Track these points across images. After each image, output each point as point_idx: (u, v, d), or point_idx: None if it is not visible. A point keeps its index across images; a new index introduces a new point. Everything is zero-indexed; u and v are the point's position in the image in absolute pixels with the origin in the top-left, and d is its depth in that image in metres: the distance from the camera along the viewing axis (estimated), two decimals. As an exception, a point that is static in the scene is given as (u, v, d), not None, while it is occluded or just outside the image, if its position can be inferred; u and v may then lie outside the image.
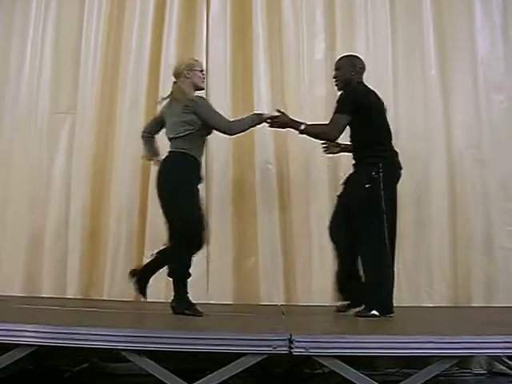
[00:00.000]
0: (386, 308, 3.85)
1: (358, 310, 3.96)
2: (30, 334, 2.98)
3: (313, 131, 4.04)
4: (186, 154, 3.92)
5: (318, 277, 4.82)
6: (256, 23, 5.07)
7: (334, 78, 4.24)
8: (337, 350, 2.86)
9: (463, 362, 4.16)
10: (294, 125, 4.03)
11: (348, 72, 4.13)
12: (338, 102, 4.01)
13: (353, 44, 5.10)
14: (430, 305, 4.81)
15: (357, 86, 4.13)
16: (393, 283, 3.95)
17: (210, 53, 5.09)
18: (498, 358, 4.13)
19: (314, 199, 4.92)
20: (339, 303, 4.15)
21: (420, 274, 4.90)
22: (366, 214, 3.89)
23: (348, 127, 4.04)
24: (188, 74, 4.06)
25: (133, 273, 4.11)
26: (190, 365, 3.78)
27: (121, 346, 2.95)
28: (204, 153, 4.14)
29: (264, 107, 4.84)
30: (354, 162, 4.16)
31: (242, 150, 5.02)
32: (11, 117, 5.18)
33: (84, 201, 4.94)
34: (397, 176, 4.09)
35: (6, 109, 5.21)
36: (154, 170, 4.84)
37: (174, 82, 4.13)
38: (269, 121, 4.06)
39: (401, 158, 4.94)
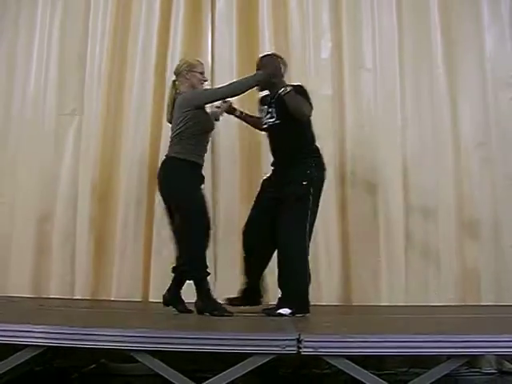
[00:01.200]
0: (301, 307, 3.79)
1: (269, 306, 3.93)
2: (39, 335, 2.98)
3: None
4: (182, 159, 3.89)
5: (325, 276, 4.81)
6: (262, 22, 5.06)
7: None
8: (346, 349, 2.85)
9: (472, 361, 4.13)
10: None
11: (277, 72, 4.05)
12: (300, 93, 3.90)
13: (359, 42, 5.11)
14: (439, 304, 4.79)
15: (298, 87, 4.02)
16: (309, 282, 3.90)
17: (216, 52, 5.09)
18: (507, 357, 4.10)
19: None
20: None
21: (428, 273, 4.89)
22: (294, 209, 3.85)
23: (280, 129, 4.00)
24: (187, 75, 4.06)
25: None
26: (198, 365, 3.77)
27: (129, 346, 2.94)
28: (206, 151, 4.08)
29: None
30: (281, 162, 4.05)
31: (248, 148, 5.02)
32: (18, 118, 5.20)
33: (91, 202, 4.95)
34: (323, 178, 4.06)
35: (13, 111, 5.23)
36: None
37: (174, 81, 4.14)
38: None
39: (408, 157, 4.99)
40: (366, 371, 2.90)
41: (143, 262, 4.86)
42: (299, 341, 2.82)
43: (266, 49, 4.99)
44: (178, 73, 4.12)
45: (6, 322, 3.15)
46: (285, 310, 3.74)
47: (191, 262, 3.83)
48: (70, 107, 5.15)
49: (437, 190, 4.96)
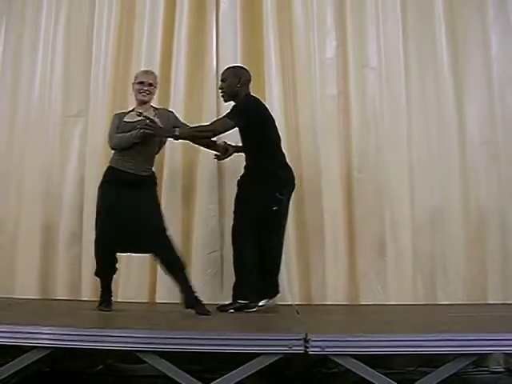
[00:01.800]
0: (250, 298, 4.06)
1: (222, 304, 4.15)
2: (46, 337, 3.00)
3: (191, 134, 4.13)
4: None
5: (331, 275, 4.80)
6: (266, 22, 5.03)
7: (219, 88, 4.33)
8: (353, 348, 2.85)
9: (480, 359, 4.12)
10: (169, 133, 4.07)
11: (234, 84, 4.21)
12: (231, 111, 4.11)
13: (364, 42, 5.08)
14: (446, 302, 4.78)
15: (247, 98, 4.21)
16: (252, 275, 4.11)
17: (221, 53, 5.07)
18: (515, 356, 4.10)
19: (326, 196, 4.90)
20: None
21: (435, 272, 4.87)
22: (269, 230, 4.18)
23: (244, 142, 4.26)
24: (132, 87, 4.28)
25: None
26: (205, 366, 3.78)
27: (137, 347, 2.96)
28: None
29: (276, 107, 4.83)
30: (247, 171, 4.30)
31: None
32: (24, 121, 5.20)
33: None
34: (292, 189, 4.31)
35: (18, 113, 5.23)
36: (166, 172, 4.88)
37: None
38: (142, 129, 3.99)
39: (414, 157, 4.97)
40: (373, 370, 2.90)
41: (149, 262, 4.85)
42: (306, 340, 2.83)
43: (271, 49, 5.01)
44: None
45: (13, 323, 3.17)
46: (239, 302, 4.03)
47: None
48: (75, 109, 5.15)
49: (443, 188, 4.94)
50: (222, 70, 4.59)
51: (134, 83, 4.24)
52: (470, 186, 4.96)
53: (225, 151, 4.36)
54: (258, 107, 4.21)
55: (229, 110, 4.13)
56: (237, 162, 4.77)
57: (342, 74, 5.07)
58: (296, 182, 4.35)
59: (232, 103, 4.28)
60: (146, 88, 4.20)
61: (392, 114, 4.98)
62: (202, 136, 4.16)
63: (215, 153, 4.43)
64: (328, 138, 4.96)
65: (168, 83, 5.00)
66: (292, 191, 4.32)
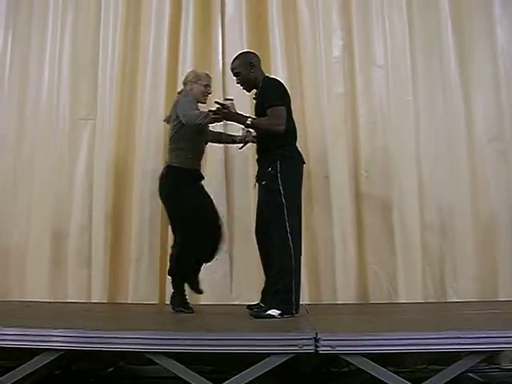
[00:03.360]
0: (286, 308, 3.71)
1: (255, 309, 3.90)
2: (57, 339, 3.01)
3: (261, 126, 3.92)
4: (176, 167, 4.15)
5: (341, 275, 4.80)
6: (272, 23, 5.05)
7: (237, 83, 4.13)
8: (364, 347, 2.85)
9: (491, 357, 4.11)
10: (241, 119, 3.92)
11: (248, 72, 4.04)
12: (268, 96, 3.90)
13: (370, 40, 5.08)
14: (457, 300, 4.77)
15: (271, 81, 4.05)
16: (297, 282, 3.79)
17: (227, 54, 5.07)
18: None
19: (334, 195, 4.90)
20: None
21: (445, 269, 4.86)
22: (270, 204, 3.88)
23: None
24: (192, 85, 4.23)
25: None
26: (216, 366, 3.78)
27: (147, 348, 2.96)
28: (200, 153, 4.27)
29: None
30: (258, 156, 4.09)
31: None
32: (33, 124, 5.22)
33: (106, 205, 4.97)
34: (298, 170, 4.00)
35: (27, 116, 5.24)
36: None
37: (180, 90, 4.33)
38: (214, 114, 3.92)
39: (422, 155, 4.96)
40: (384, 369, 2.90)
41: (159, 264, 4.87)
42: (317, 340, 2.83)
43: (277, 49, 5.02)
44: (184, 82, 4.31)
45: (24, 326, 3.18)
46: (274, 311, 3.69)
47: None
48: (83, 112, 5.16)
49: (452, 186, 4.92)
50: (228, 72, 4.59)
51: (194, 83, 4.23)
52: (478, 183, 4.94)
53: (244, 141, 4.32)
54: (285, 87, 4.07)
55: (268, 99, 3.88)
56: (244, 163, 4.79)
57: (348, 73, 5.07)
58: (304, 180, 4.29)
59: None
60: (209, 92, 4.28)
61: (399, 112, 4.97)
62: (272, 129, 3.85)
63: (239, 145, 4.40)
64: (335, 138, 4.95)
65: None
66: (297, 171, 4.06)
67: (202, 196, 4.22)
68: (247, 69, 4.03)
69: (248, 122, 3.88)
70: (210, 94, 4.31)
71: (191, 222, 4.04)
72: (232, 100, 4.08)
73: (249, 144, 4.34)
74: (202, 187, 4.27)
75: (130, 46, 5.20)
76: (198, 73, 4.33)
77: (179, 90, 4.42)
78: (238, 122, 3.98)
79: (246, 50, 4.38)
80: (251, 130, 4.15)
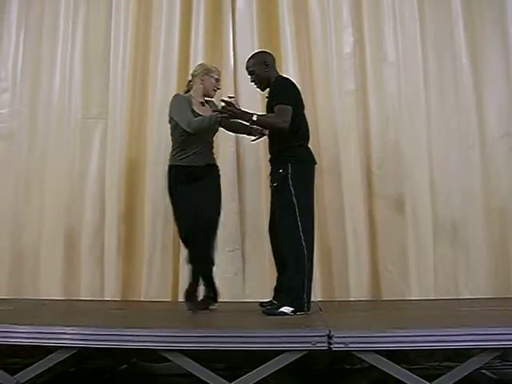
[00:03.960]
0: (299, 305, 3.71)
1: (268, 307, 3.90)
2: (71, 337, 3.02)
3: (265, 122, 3.94)
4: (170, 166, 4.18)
5: (354, 272, 4.80)
6: (283, 19, 5.05)
7: (251, 82, 4.13)
8: (377, 344, 2.84)
9: (505, 354, 4.08)
10: (245, 116, 3.92)
11: (262, 71, 4.04)
12: (276, 94, 3.92)
13: (381, 36, 5.07)
14: (469, 296, 4.76)
15: (284, 80, 4.04)
16: (309, 280, 3.79)
17: (238, 52, 5.09)
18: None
19: (346, 191, 4.90)
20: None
21: (458, 266, 4.85)
22: (281, 203, 3.90)
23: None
24: (202, 77, 4.19)
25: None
26: (229, 363, 3.79)
27: (161, 346, 2.97)
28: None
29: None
30: (270, 155, 4.08)
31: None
32: (45, 124, 5.26)
33: (119, 204, 5.00)
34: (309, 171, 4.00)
35: (39, 116, 5.28)
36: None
37: (189, 81, 4.28)
38: (219, 113, 3.93)
39: (434, 151, 4.94)
40: (397, 366, 2.89)
41: (172, 262, 4.89)
42: (330, 337, 2.83)
43: (288, 46, 5.02)
44: (194, 74, 4.27)
45: (38, 324, 3.20)
46: (286, 309, 3.69)
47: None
48: (95, 111, 5.20)
49: (464, 182, 4.91)
50: (239, 69, 4.59)
51: (205, 75, 4.20)
52: (491, 179, 4.93)
53: (259, 134, 4.30)
54: (297, 87, 4.06)
55: (276, 97, 3.90)
56: (257, 161, 4.79)
57: (359, 69, 5.06)
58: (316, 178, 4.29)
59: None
60: (219, 86, 4.28)
61: (411, 108, 4.96)
62: (276, 126, 3.87)
63: (251, 137, 4.33)
64: (347, 134, 4.95)
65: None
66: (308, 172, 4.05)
67: (193, 196, 4.08)
68: (261, 68, 4.04)
69: (254, 119, 3.88)
70: (219, 89, 4.30)
71: (177, 221, 4.16)
72: (234, 97, 4.11)
73: (262, 138, 4.32)
74: (200, 186, 4.12)
75: (141, 44, 5.22)
76: (209, 66, 4.30)
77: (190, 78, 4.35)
78: (243, 119, 3.98)
79: (261, 50, 4.38)
80: None
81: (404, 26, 5.03)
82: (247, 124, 4.09)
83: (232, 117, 3.97)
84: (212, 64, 4.43)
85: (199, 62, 4.74)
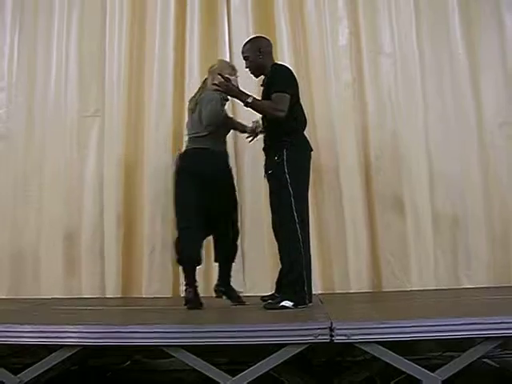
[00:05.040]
0: (299, 299, 3.69)
1: (269, 301, 3.86)
2: (73, 335, 3.02)
3: (261, 107, 3.85)
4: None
5: (354, 264, 4.81)
6: (278, 12, 5.05)
7: (246, 67, 4.05)
8: (379, 335, 2.84)
9: (507, 342, 4.09)
10: (241, 96, 3.83)
11: (256, 57, 3.97)
12: (273, 82, 3.84)
13: (377, 28, 5.08)
14: (470, 286, 4.76)
15: (280, 67, 3.98)
16: (308, 273, 3.76)
17: (233, 45, 5.08)
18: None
19: (345, 183, 4.91)
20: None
21: (458, 256, 4.86)
22: (278, 194, 3.83)
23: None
24: (215, 75, 4.10)
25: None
26: (232, 357, 3.79)
27: (163, 342, 2.97)
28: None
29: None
30: (266, 144, 4.01)
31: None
32: (41, 122, 5.25)
33: (118, 201, 5.00)
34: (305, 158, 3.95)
35: (35, 114, 5.28)
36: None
37: (205, 78, 4.22)
38: (216, 85, 3.85)
39: (432, 141, 4.94)
40: (399, 356, 2.89)
41: (172, 257, 4.89)
42: (331, 329, 2.83)
43: (283, 39, 5.01)
44: (210, 71, 4.19)
45: (40, 323, 3.20)
46: (287, 303, 3.67)
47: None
48: (91, 109, 5.19)
49: (463, 172, 4.92)
50: (237, 63, 4.56)
51: (215, 71, 4.11)
52: (489, 168, 4.93)
53: (254, 132, 4.27)
54: (293, 74, 3.98)
55: (273, 85, 3.81)
56: (255, 158, 4.78)
57: (356, 61, 5.06)
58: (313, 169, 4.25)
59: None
60: None
61: (408, 99, 4.97)
62: (271, 113, 3.80)
63: (246, 135, 4.32)
64: (344, 126, 4.95)
65: (182, 78, 5.02)
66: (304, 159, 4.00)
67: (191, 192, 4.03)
68: (255, 54, 3.98)
69: (248, 101, 3.80)
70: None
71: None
72: (235, 77, 4.05)
73: (258, 137, 4.30)
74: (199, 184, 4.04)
75: (136, 40, 5.21)
76: (223, 64, 4.27)
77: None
78: (238, 99, 3.89)
79: (258, 35, 4.30)
80: (260, 122, 4.13)
81: (399, 17, 5.04)
82: (243, 124, 4.11)
83: (228, 93, 3.92)
84: (210, 62, 4.40)
85: (196, 61, 4.79)
